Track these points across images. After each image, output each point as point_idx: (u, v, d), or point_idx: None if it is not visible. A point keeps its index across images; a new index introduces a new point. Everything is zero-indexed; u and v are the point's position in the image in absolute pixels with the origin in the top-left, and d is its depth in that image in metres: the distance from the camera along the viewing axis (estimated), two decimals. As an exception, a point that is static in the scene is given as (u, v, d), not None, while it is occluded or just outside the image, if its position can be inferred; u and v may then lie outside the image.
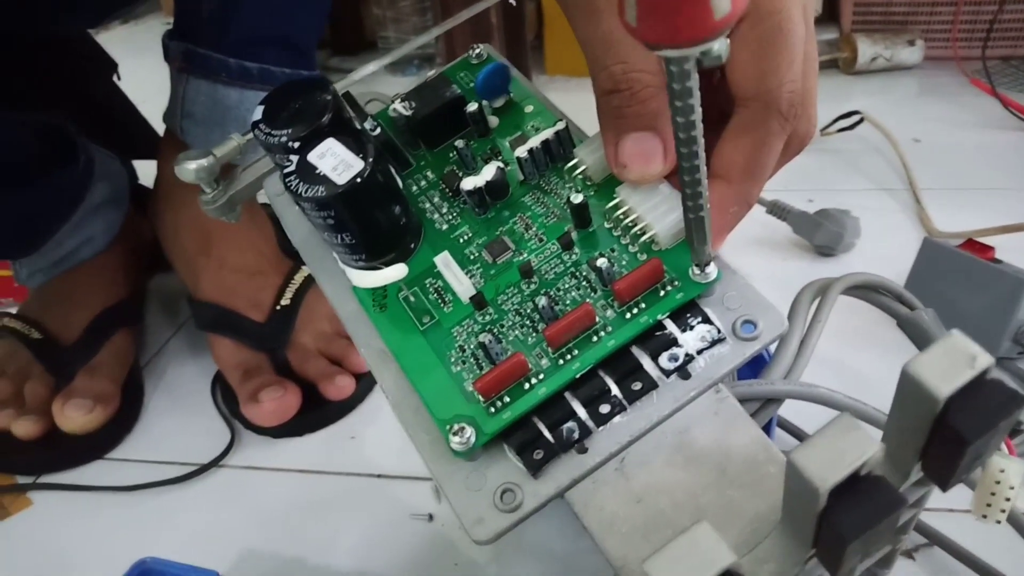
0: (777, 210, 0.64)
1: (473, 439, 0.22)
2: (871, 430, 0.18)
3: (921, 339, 0.31)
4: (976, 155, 0.78)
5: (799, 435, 0.38)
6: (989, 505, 0.20)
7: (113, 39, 0.99)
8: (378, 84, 1.18)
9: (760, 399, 0.25)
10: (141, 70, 0.73)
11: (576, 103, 0.29)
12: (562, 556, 0.39)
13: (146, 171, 0.67)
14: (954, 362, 0.16)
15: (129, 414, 0.54)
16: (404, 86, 0.30)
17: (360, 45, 1.26)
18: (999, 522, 0.20)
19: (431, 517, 0.42)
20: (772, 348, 0.27)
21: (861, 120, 0.80)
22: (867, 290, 0.31)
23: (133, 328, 0.60)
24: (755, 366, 0.31)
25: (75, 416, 0.50)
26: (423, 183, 0.29)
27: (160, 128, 0.59)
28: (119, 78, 0.68)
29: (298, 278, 0.56)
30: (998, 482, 0.20)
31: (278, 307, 0.54)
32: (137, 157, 0.69)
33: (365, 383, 0.53)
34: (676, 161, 0.23)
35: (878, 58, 0.97)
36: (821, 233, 0.62)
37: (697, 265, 0.22)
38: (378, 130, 0.28)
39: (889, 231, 0.66)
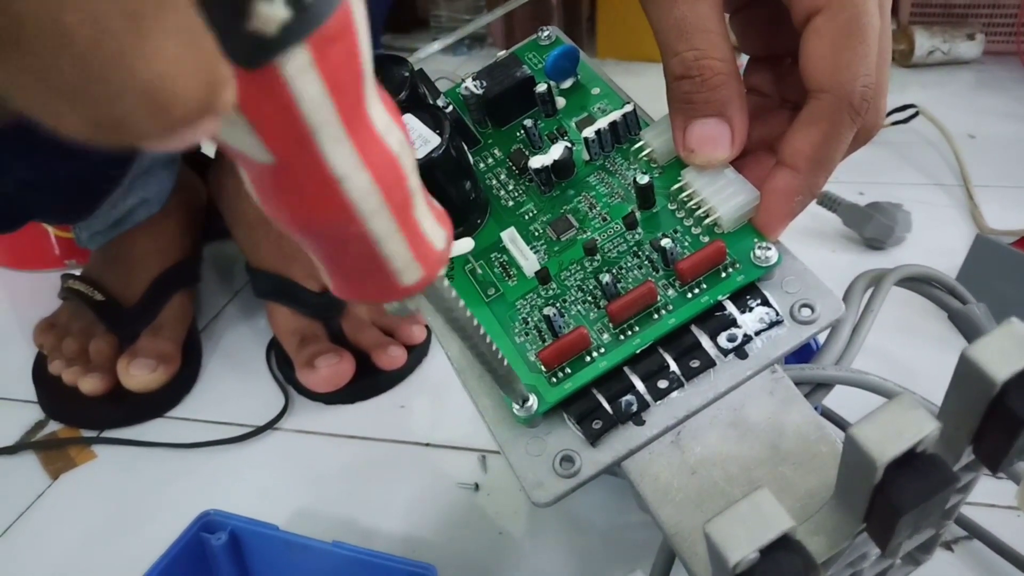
0: (828, 201, 0.64)
1: (535, 407, 0.23)
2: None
3: (972, 333, 0.31)
4: None
5: (842, 425, 0.39)
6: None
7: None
8: (429, 62, 1.19)
9: (810, 383, 0.26)
10: None
11: (627, 87, 0.30)
12: (603, 530, 0.41)
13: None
14: (1012, 348, 0.16)
15: (189, 374, 0.57)
16: (455, 64, 0.31)
17: (413, 23, 1.27)
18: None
19: (477, 487, 0.44)
20: (821, 338, 0.28)
21: (916, 114, 0.79)
22: (920, 282, 0.32)
23: (191, 289, 0.63)
24: (801, 354, 0.32)
25: (139, 375, 0.53)
26: (491, 160, 0.30)
27: None
28: None
29: None
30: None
31: None
32: None
33: (416, 354, 0.55)
34: (743, 146, 0.24)
35: (935, 51, 0.96)
36: (871, 226, 0.62)
37: (516, 401, 0.23)
38: (450, 107, 0.30)
39: (940, 226, 0.66)
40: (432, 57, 1.09)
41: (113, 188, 0.56)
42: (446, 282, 0.16)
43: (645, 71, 0.73)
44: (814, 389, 0.27)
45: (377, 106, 0.11)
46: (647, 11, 0.25)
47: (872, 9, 0.23)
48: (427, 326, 0.56)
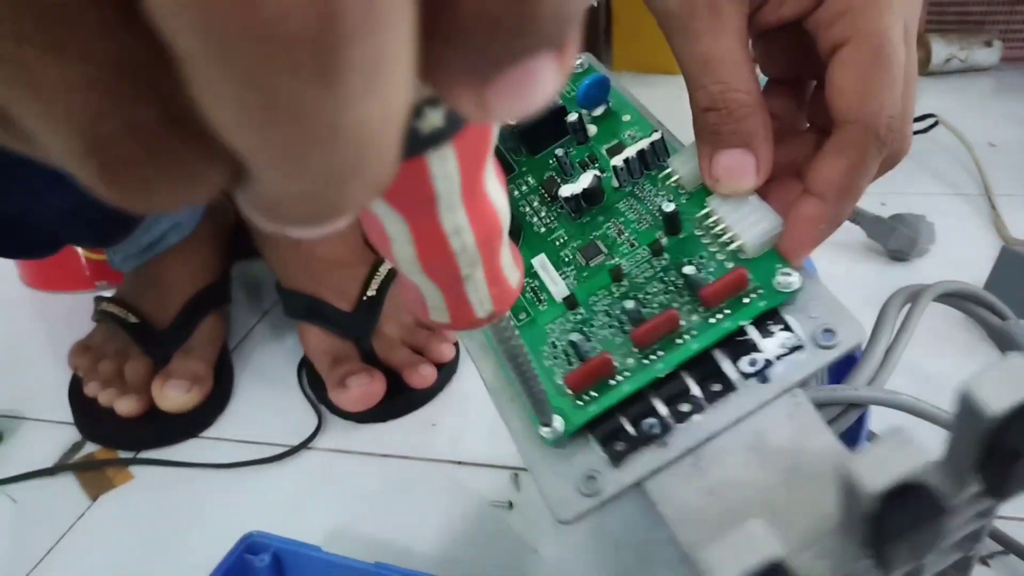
0: (851, 214, 0.66)
1: (561, 429, 0.26)
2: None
3: (1011, 350, 0.33)
4: None
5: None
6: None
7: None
8: None
9: (842, 404, 0.28)
10: None
11: (643, 99, 0.33)
12: (637, 547, 0.43)
13: None
14: (1010, 381, 0.18)
15: (222, 395, 0.61)
16: None
17: None
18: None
19: (511, 505, 0.47)
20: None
21: (936, 123, 0.81)
22: (958, 298, 0.33)
23: (223, 310, 0.67)
24: (840, 373, 0.34)
25: (173, 396, 0.58)
26: (524, 188, 0.33)
27: None
28: None
29: (383, 270, 0.62)
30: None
31: (365, 297, 0.60)
32: None
33: (446, 372, 0.59)
34: (767, 175, 0.27)
35: (952, 59, 0.99)
36: (895, 238, 0.64)
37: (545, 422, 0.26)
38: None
39: (964, 237, 0.68)
40: None
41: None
42: (508, 312, 0.18)
43: (660, 83, 0.78)
44: (846, 409, 0.29)
45: (492, 175, 0.14)
46: (672, 43, 0.27)
47: (897, 40, 0.25)
48: (456, 344, 0.59)
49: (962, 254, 0.65)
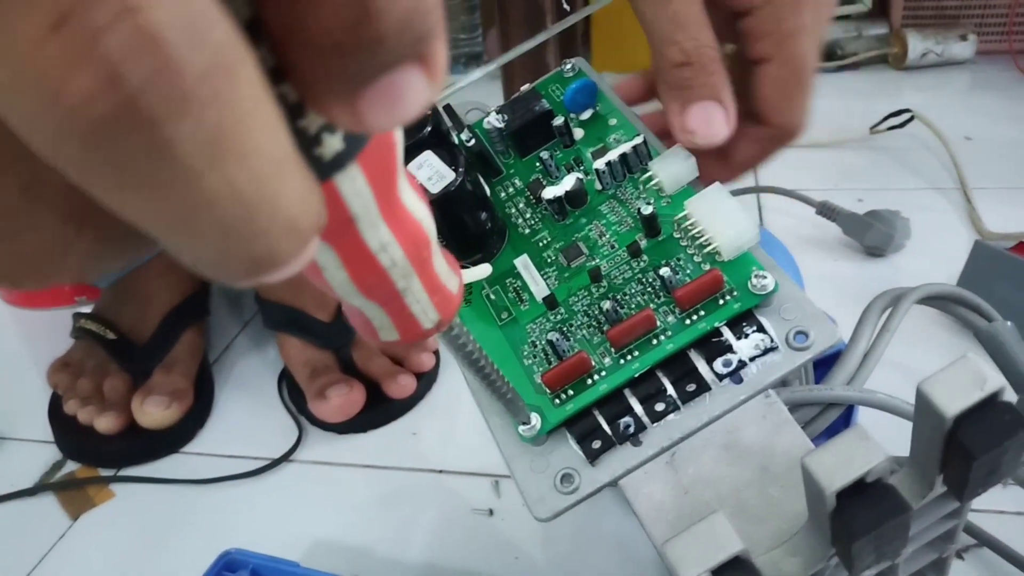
0: (827, 211, 0.71)
1: (538, 427, 0.28)
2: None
3: (998, 352, 0.35)
4: None
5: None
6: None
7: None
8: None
9: (820, 404, 0.30)
10: None
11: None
12: (620, 549, 0.45)
13: None
14: (964, 383, 0.20)
15: (202, 409, 0.63)
16: (453, 81, 0.37)
17: None
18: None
19: (491, 512, 0.49)
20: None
21: (912, 118, 0.86)
22: (942, 300, 0.35)
23: (202, 323, 0.69)
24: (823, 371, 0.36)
25: (153, 412, 0.60)
26: (511, 190, 0.35)
27: None
28: None
29: None
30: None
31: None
32: None
33: (425, 381, 0.61)
34: (735, 125, 0.30)
35: (929, 53, 1.05)
36: (871, 234, 0.68)
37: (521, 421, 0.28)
38: (472, 141, 0.35)
39: (940, 232, 0.72)
40: None
41: None
42: (458, 319, 0.20)
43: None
44: (825, 409, 0.31)
45: (406, 187, 0.16)
46: (639, 7, 0.30)
47: (813, 58, 0.30)
48: (436, 353, 0.62)
49: (938, 249, 0.68)
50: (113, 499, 0.57)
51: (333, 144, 0.12)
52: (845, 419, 0.43)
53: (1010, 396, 0.21)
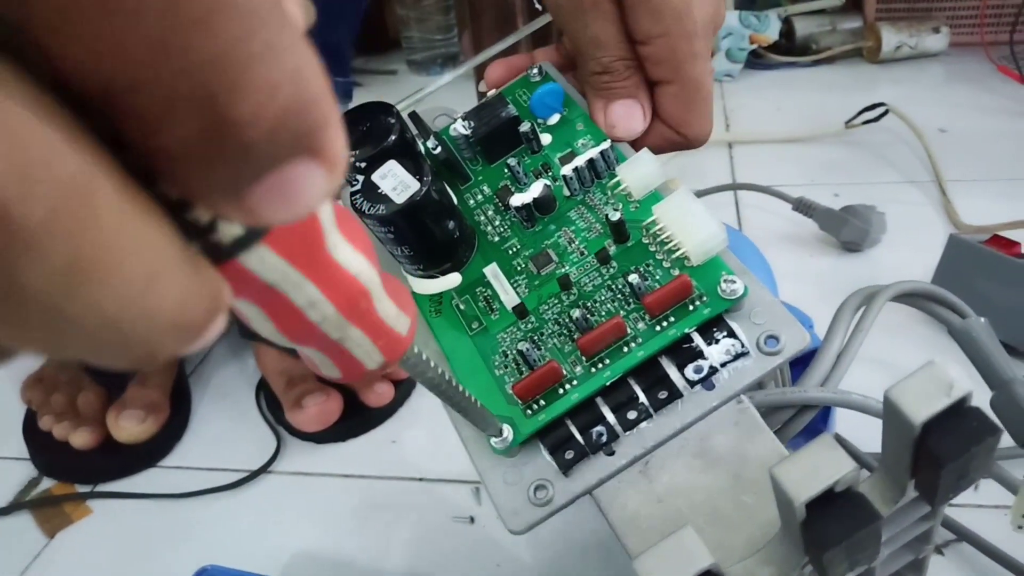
0: (803, 207, 0.72)
1: (511, 439, 0.27)
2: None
3: (971, 348, 0.35)
4: (1003, 144, 0.84)
5: (854, 454, 0.43)
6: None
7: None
8: (403, 83, 1.28)
9: (795, 406, 0.30)
10: None
11: None
12: (601, 554, 0.45)
13: None
14: (932, 390, 0.20)
15: (179, 422, 0.63)
16: (428, 83, 0.37)
17: (384, 45, 1.40)
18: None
19: (472, 519, 0.48)
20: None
21: (886, 112, 0.86)
22: (916, 298, 0.35)
23: None
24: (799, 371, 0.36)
25: (129, 426, 0.59)
26: (480, 197, 0.34)
27: None
28: None
29: None
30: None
31: None
32: None
33: (404, 389, 0.61)
34: (650, 119, 0.34)
35: (903, 46, 1.07)
36: (847, 229, 0.69)
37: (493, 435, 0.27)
38: (438, 149, 0.34)
39: (916, 225, 0.73)
40: (404, 77, 1.19)
41: None
42: (415, 348, 0.20)
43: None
44: (800, 411, 0.31)
45: (340, 244, 0.15)
46: (565, 26, 0.34)
47: (707, 78, 0.33)
48: None
49: (914, 242, 0.69)
50: (90, 515, 0.56)
51: (231, 230, 0.12)
52: (823, 418, 0.43)
53: (980, 399, 0.20)
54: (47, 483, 0.59)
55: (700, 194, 0.79)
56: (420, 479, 0.53)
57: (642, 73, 0.34)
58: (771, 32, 1.12)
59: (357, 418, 0.58)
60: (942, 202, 0.74)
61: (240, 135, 0.10)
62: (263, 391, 0.63)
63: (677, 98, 0.33)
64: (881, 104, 0.86)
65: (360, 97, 0.99)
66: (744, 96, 1.07)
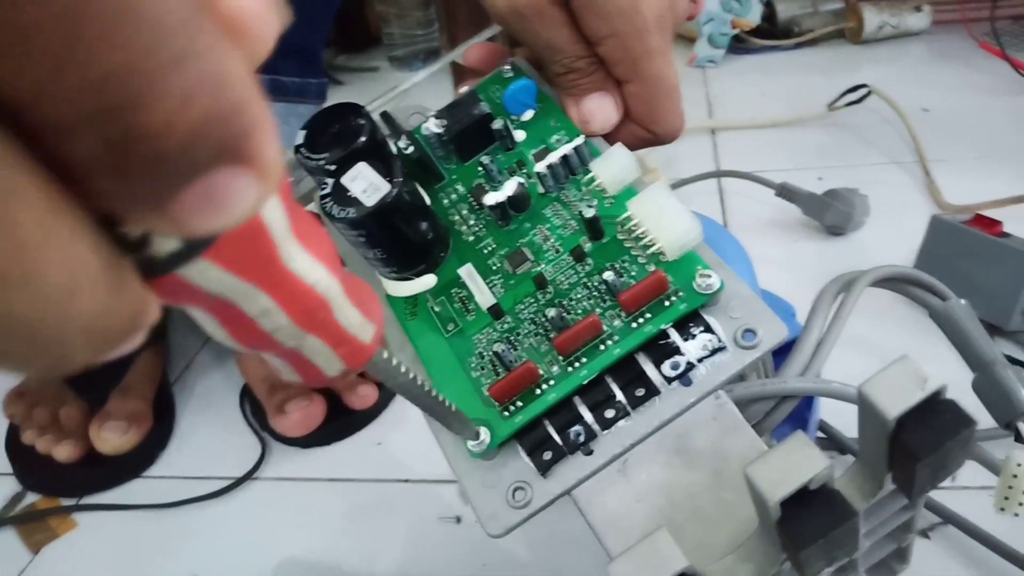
0: (786, 192, 0.72)
1: (488, 441, 0.27)
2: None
3: (952, 330, 0.35)
4: (986, 122, 0.84)
5: (840, 440, 0.43)
6: (1007, 499, 0.24)
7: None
8: (385, 80, 1.27)
9: (774, 397, 0.30)
10: None
11: None
12: (588, 551, 0.44)
13: None
14: (905, 384, 0.20)
15: (162, 431, 0.63)
16: (408, 80, 0.36)
17: (365, 42, 1.40)
18: (1017, 515, 0.25)
19: (459, 519, 0.48)
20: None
21: (869, 93, 0.86)
22: (895, 282, 0.35)
23: (158, 345, 0.68)
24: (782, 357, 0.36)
25: (111, 438, 0.59)
26: (454, 196, 0.34)
27: None
28: None
29: None
30: (1015, 476, 0.24)
31: None
32: None
33: (387, 391, 0.60)
34: (623, 112, 0.33)
35: (885, 26, 1.07)
36: (830, 214, 0.69)
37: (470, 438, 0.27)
38: (411, 148, 0.34)
39: (899, 206, 0.73)
40: (386, 74, 1.18)
41: None
42: (384, 354, 0.19)
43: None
44: (780, 402, 0.31)
45: (296, 254, 0.15)
46: (517, 36, 0.33)
47: (667, 70, 0.32)
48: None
49: (898, 224, 0.69)
50: (76, 529, 0.56)
51: (165, 245, 0.11)
52: (807, 405, 0.43)
53: (963, 381, 0.20)
54: (31, 497, 0.59)
55: (683, 182, 0.79)
56: (406, 480, 0.53)
57: (605, 69, 0.33)
58: (753, 16, 1.12)
59: (341, 421, 0.58)
60: (925, 182, 0.75)
61: (152, 146, 0.09)
62: (247, 397, 0.63)
63: (639, 97, 0.33)
64: (863, 86, 0.86)
65: (343, 95, 0.99)
66: (727, 81, 1.07)
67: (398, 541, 0.48)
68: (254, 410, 0.62)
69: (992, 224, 0.57)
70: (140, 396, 0.62)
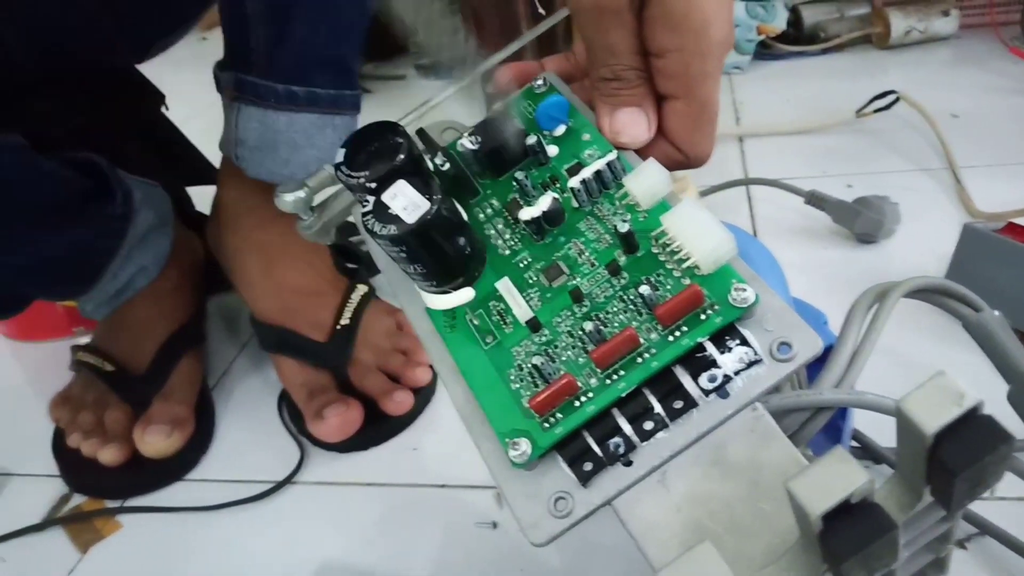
0: (815, 200, 0.71)
1: (529, 452, 0.28)
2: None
3: (987, 342, 0.35)
4: (1016, 127, 0.83)
5: (873, 449, 0.43)
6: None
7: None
8: (412, 88, 1.29)
9: (810, 408, 0.30)
10: (183, 84, 0.83)
11: None
12: (624, 558, 0.45)
13: (198, 197, 0.76)
14: (943, 400, 0.20)
15: (204, 435, 0.64)
16: (437, 88, 0.38)
17: (393, 50, 1.41)
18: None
19: (495, 525, 0.49)
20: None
21: (897, 99, 0.86)
22: (929, 293, 0.35)
23: (199, 349, 0.70)
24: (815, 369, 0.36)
25: (155, 441, 0.60)
26: (489, 211, 0.35)
27: (206, 146, 0.68)
28: (167, 108, 0.77)
29: (355, 296, 0.64)
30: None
31: (338, 327, 0.63)
32: (189, 183, 0.79)
33: (423, 396, 0.61)
34: (655, 130, 0.34)
35: (912, 31, 1.06)
36: (860, 221, 0.68)
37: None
38: (447, 165, 0.35)
39: (930, 214, 0.72)
40: (413, 82, 1.19)
41: (110, 260, 0.63)
42: None
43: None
44: (815, 413, 0.31)
45: None
46: (583, 30, 0.34)
47: (715, 99, 0.33)
48: (432, 367, 0.62)
49: (929, 232, 0.69)
50: (120, 530, 0.57)
51: None
52: (842, 414, 0.43)
53: (998, 393, 0.20)
54: (77, 499, 0.61)
55: (712, 190, 0.79)
56: (442, 486, 0.54)
57: (651, 86, 0.34)
58: (779, 22, 1.11)
59: (378, 427, 0.59)
60: (956, 189, 0.74)
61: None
62: (285, 402, 0.64)
63: (683, 115, 0.34)
64: (892, 92, 0.86)
65: (371, 103, 1.00)
66: (753, 88, 1.06)
67: (434, 546, 0.49)
68: (292, 415, 0.63)
69: (1024, 232, 0.56)
70: (182, 400, 0.64)
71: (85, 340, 0.69)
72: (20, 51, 0.55)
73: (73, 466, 0.62)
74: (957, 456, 0.19)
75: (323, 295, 0.65)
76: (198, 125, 0.76)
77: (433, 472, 0.55)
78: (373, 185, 0.30)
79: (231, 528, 0.55)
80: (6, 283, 0.58)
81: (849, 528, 0.20)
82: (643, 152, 0.34)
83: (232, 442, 0.63)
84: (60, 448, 0.64)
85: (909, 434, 0.20)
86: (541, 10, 0.83)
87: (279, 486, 0.56)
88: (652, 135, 0.34)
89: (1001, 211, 0.67)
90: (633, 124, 0.34)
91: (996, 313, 0.36)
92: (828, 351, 0.35)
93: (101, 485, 0.61)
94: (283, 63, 0.58)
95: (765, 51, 1.14)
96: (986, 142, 0.80)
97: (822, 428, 0.34)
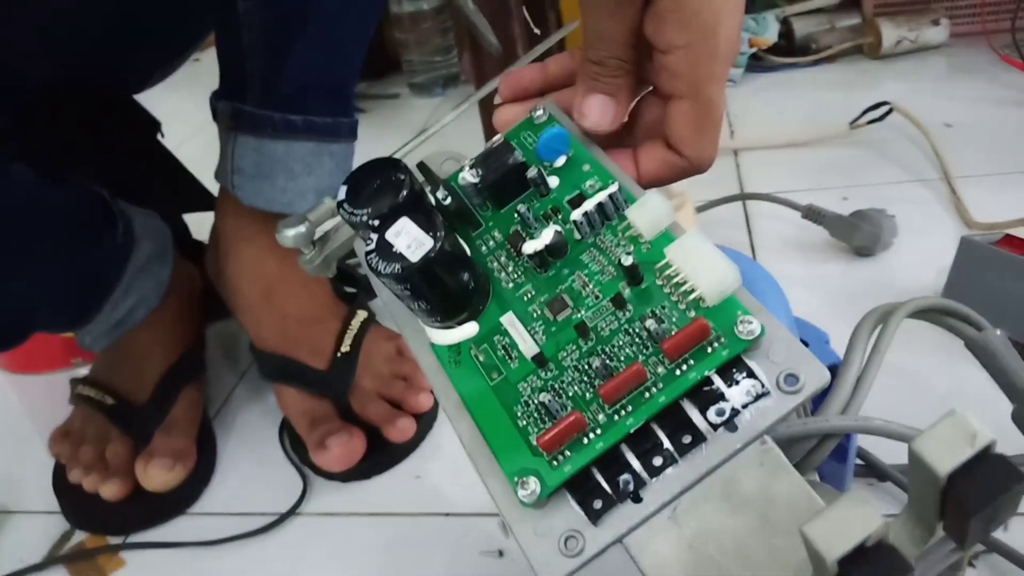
0: (813, 214, 0.72)
1: (538, 491, 0.28)
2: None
3: (989, 361, 0.35)
4: (1010, 135, 0.84)
5: (878, 467, 0.43)
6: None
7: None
8: (406, 107, 1.29)
9: (816, 436, 0.30)
10: (178, 104, 0.83)
11: None
12: None
13: (196, 225, 0.76)
14: (955, 440, 0.20)
15: (206, 467, 0.64)
16: (432, 107, 0.38)
17: (386, 68, 1.42)
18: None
19: (501, 553, 0.49)
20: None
21: (890, 111, 0.86)
22: (931, 312, 0.35)
23: (199, 379, 0.69)
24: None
25: (157, 475, 0.60)
26: (491, 243, 0.35)
27: (202, 171, 0.68)
28: (163, 136, 0.77)
29: (355, 323, 0.64)
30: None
31: (339, 354, 0.62)
32: (186, 211, 0.79)
33: (425, 423, 0.61)
34: (620, 122, 0.35)
35: (903, 41, 1.08)
36: (858, 235, 0.69)
37: None
38: (448, 199, 0.35)
39: (927, 226, 0.72)
40: (407, 100, 1.20)
41: (111, 291, 0.63)
42: None
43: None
44: (822, 440, 0.31)
45: None
46: (584, 10, 0.34)
47: (720, 99, 0.33)
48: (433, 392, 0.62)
49: (927, 244, 0.69)
50: (124, 568, 0.57)
51: None
52: (846, 437, 0.43)
53: (1001, 412, 0.20)
54: (79, 536, 0.60)
55: (709, 205, 0.79)
56: (446, 514, 0.53)
57: (633, 79, 0.35)
58: (770, 34, 1.12)
59: (380, 455, 0.59)
60: (952, 200, 0.74)
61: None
62: (286, 431, 0.64)
63: (688, 116, 0.33)
64: (885, 103, 0.86)
65: (365, 123, 0.99)
66: (747, 101, 1.07)
67: (440, 575, 0.49)
68: (293, 444, 0.63)
69: (1022, 243, 0.56)
70: (184, 433, 0.63)
71: (83, 372, 0.69)
72: (29, 67, 0.55)
73: (74, 502, 0.62)
74: (971, 497, 0.19)
75: (323, 322, 0.65)
76: (193, 148, 0.76)
77: (437, 500, 0.55)
78: (376, 223, 0.30)
79: (236, 562, 0.54)
80: (8, 314, 0.58)
81: (865, 572, 0.20)
82: (643, 156, 0.35)
83: (234, 473, 0.63)
84: (61, 484, 0.63)
85: (922, 474, 0.20)
86: (536, 30, 0.83)
87: (283, 518, 0.56)
88: (615, 127, 0.35)
89: (998, 221, 0.67)
90: (600, 111, 0.34)
91: (998, 331, 0.36)
92: (832, 370, 0.36)
93: (103, 520, 0.61)
94: (280, 92, 0.58)
95: (757, 63, 1.15)
96: (981, 151, 0.81)
97: (829, 457, 0.34)
